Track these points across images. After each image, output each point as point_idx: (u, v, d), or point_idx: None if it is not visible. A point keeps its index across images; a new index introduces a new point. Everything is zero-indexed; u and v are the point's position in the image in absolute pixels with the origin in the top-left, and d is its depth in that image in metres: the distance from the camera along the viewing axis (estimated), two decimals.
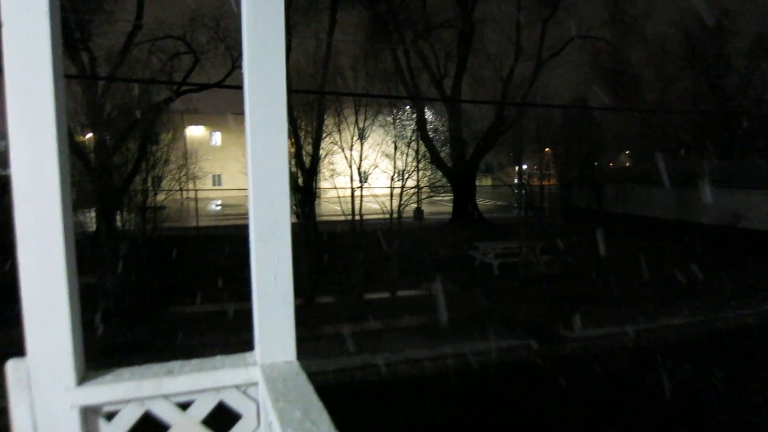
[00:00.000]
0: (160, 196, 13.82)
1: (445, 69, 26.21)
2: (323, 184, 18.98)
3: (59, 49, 1.37)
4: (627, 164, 41.21)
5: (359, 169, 16.10)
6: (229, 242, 15.43)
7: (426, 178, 21.34)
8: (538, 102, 24.34)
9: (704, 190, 18.10)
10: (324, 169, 17.53)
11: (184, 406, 1.55)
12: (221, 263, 14.85)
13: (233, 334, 9.74)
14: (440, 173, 23.93)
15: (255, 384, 1.58)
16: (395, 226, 16.31)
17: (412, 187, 17.79)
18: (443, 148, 25.57)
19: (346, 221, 16.92)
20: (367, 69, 17.71)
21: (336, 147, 16.37)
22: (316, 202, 16.89)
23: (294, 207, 14.99)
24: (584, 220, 23.79)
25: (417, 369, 9.29)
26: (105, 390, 1.47)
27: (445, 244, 19.24)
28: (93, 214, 13.42)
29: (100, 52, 17.56)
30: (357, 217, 15.87)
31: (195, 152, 19.91)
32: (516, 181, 27.10)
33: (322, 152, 16.62)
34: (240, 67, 19.94)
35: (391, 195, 16.49)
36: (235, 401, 1.59)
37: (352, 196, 15.97)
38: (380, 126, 18.33)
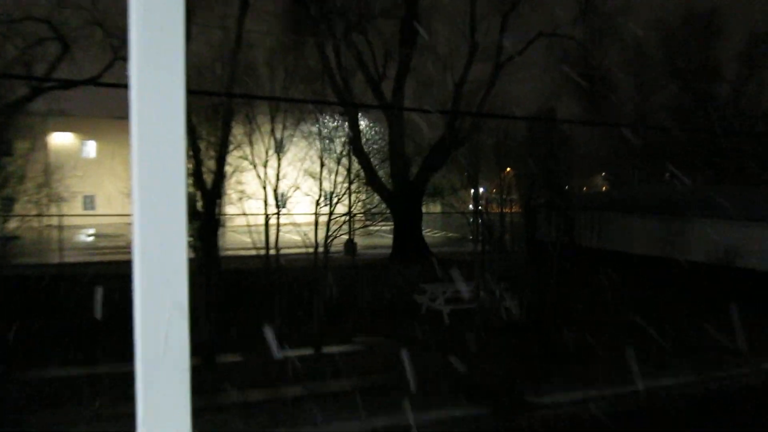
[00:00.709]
0: (12, 224, 13.28)
1: (385, 68, 26.62)
2: (229, 209, 18.74)
3: None
4: (603, 188, 42.77)
5: (276, 191, 16.00)
6: (104, 284, 14.91)
7: (360, 203, 21.44)
8: (497, 112, 24.95)
9: (693, 221, 18.91)
10: (231, 191, 17.32)
11: None
12: (89, 314, 14.32)
13: (110, 405, 9.38)
14: (378, 197, 24.11)
15: None
16: (321, 262, 16.23)
17: (343, 214, 17.79)
18: (382, 166, 25.82)
19: (258, 256, 16.71)
20: (286, 66, 17.75)
21: (246, 163, 16.23)
22: (219, 232, 16.63)
23: (191, 239, 14.71)
24: (553, 256, 24.39)
25: None
26: None
27: (383, 286, 19.27)
28: None
29: None
30: (272, 252, 15.71)
31: (61, 167, 19.31)
32: (471, 207, 27.61)
33: (228, 169, 16.44)
34: (124, 59, 19.62)
35: (316, 224, 16.43)
36: None
37: (266, 224, 15.81)
38: (303, 137, 18.33)
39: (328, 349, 13.04)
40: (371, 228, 26.06)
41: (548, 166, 26.05)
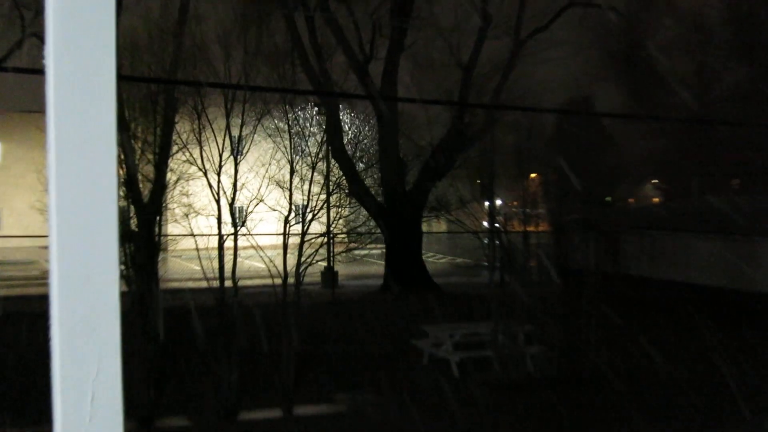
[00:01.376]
0: None
1: (372, 47, 26.70)
2: (172, 228, 18.69)
3: None
4: (654, 200, 42.94)
5: (232, 205, 15.98)
6: (12, 326, 14.84)
7: (342, 220, 21.43)
8: (517, 103, 24.98)
9: None
10: (174, 205, 17.30)
11: None
12: None
13: None
14: (365, 212, 24.12)
15: None
16: (292, 297, 16.18)
17: (320, 235, 17.77)
18: (370, 172, 25.85)
19: (210, 289, 16.65)
20: (246, 45, 17.79)
21: (194, 169, 16.22)
22: (160, 258, 16.59)
23: (124, 267, 14.66)
24: (592, 288, 24.39)
25: None
26: None
27: (373, 328, 19.23)
28: None
29: None
30: (228, 283, 15.66)
31: None
32: (486, 225, 27.62)
33: (170, 177, 16.42)
34: (39, 36, 19.66)
35: (285, 247, 16.40)
36: None
37: (221, 248, 15.78)
38: (268, 136, 18.34)
39: (300, 411, 12.98)
40: (356, 252, 26.03)
41: (584, 171, 26.12)
